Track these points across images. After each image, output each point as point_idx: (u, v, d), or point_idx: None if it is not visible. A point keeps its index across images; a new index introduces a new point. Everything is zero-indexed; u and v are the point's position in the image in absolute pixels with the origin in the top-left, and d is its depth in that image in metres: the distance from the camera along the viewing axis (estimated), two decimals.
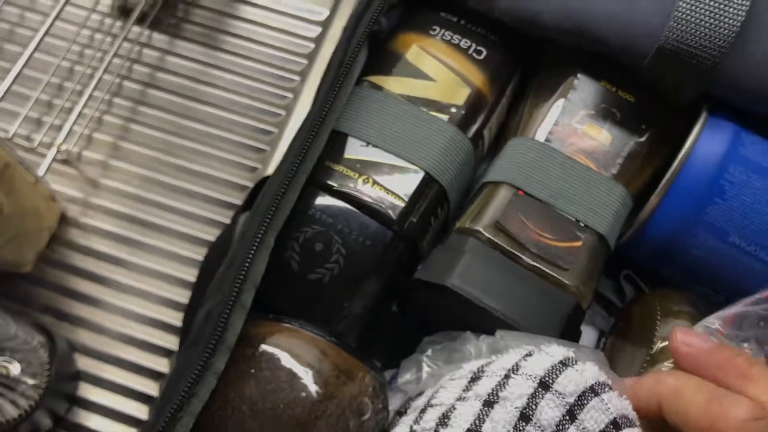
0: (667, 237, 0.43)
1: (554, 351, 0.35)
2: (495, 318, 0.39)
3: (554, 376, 0.34)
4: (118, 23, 0.59)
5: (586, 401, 0.33)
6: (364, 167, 0.43)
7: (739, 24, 0.39)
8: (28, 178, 0.49)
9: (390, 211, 0.42)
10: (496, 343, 0.37)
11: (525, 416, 0.33)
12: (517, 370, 0.34)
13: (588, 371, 0.34)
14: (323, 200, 0.42)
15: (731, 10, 0.39)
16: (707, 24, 0.39)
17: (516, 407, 0.33)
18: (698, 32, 0.40)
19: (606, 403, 0.34)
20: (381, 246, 0.41)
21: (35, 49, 0.55)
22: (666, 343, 0.42)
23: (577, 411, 0.33)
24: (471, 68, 0.46)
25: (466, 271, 0.40)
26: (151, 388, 0.50)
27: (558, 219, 0.42)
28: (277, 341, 0.38)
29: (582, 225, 0.42)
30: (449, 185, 0.44)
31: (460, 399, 0.35)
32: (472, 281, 0.39)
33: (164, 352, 0.51)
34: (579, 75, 0.45)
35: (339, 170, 0.42)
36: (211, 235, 0.54)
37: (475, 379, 0.35)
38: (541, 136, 0.44)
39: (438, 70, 0.45)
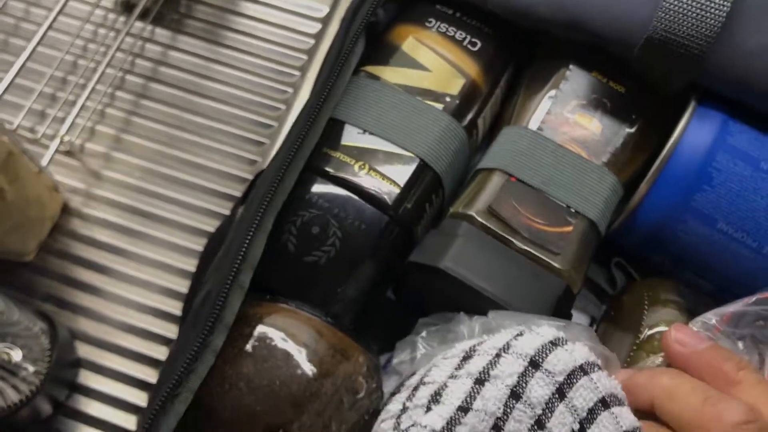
0: (657, 224, 0.43)
1: (545, 331, 0.36)
2: (487, 300, 0.39)
3: (544, 355, 0.34)
4: (122, 18, 0.60)
5: (575, 380, 0.34)
6: (360, 154, 0.43)
7: (724, 14, 0.40)
8: (32, 167, 0.50)
9: (386, 197, 0.43)
10: (488, 323, 0.38)
11: (515, 394, 0.33)
12: (508, 349, 0.35)
13: (578, 351, 0.35)
14: (320, 185, 0.43)
15: (717, 1, 0.40)
16: (693, 14, 0.40)
17: (506, 385, 0.34)
18: (685, 22, 0.41)
19: (595, 382, 0.34)
20: (376, 230, 0.42)
21: (38, 43, 0.56)
22: (653, 331, 0.43)
23: (567, 389, 0.34)
24: (465, 59, 0.47)
25: (459, 254, 0.40)
26: (151, 375, 0.51)
27: (549, 205, 0.42)
28: (274, 321, 0.39)
29: (573, 211, 0.42)
30: (444, 172, 0.45)
31: (452, 377, 0.35)
32: (465, 264, 0.40)
33: (164, 341, 0.51)
34: (571, 66, 0.46)
35: (336, 156, 0.43)
36: (210, 226, 0.54)
37: (467, 357, 0.36)
38: (533, 125, 0.45)
39: (433, 60, 0.46)
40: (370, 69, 0.46)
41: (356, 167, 0.43)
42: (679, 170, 0.43)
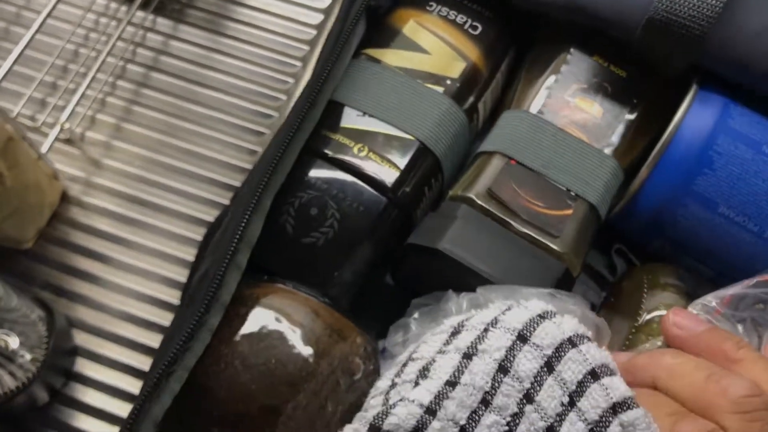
0: (658, 208, 0.43)
1: (533, 305, 0.35)
2: (486, 282, 0.39)
3: (532, 328, 0.34)
4: (123, 8, 0.60)
5: (563, 353, 0.34)
6: (360, 136, 0.43)
7: None
8: (32, 153, 0.50)
9: (384, 179, 0.42)
10: (476, 299, 0.38)
11: (503, 368, 0.33)
12: (496, 323, 0.35)
13: (566, 323, 0.35)
14: (320, 167, 0.43)
15: None
16: None
17: (494, 359, 0.33)
18: (687, 2, 0.40)
19: (584, 354, 0.34)
20: (375, 212, 0.42)
21: (37, 31, 0.56)
22: (652, 314, 0.42)
23: (555, 362, 0.34)
24: (466, 43, 0.47)
25: (457, 235, 0.40)
26: (147, 364, 0.50)
27: (549, 188, 0.42)
28: (271, 301, 0.39)
29: (573, 194, 0.42)
30: (443, 156, 0.44)
31: (440, 352, 0.35)
32: (463, 245, 0.40)
33: (161, 330, 0.51)
34: (572, 50, 0.46)
35: (336, 138, 0.43)
36: (210, 215, 0.54)
37: (455, 333, 0.36)
38: (534, 108, 0.45)
39: (434, 44, 0.46)
40: (371, 52, 0.46)
41: (356, 149, 0.43)
42: (680, 154, 0.42)
